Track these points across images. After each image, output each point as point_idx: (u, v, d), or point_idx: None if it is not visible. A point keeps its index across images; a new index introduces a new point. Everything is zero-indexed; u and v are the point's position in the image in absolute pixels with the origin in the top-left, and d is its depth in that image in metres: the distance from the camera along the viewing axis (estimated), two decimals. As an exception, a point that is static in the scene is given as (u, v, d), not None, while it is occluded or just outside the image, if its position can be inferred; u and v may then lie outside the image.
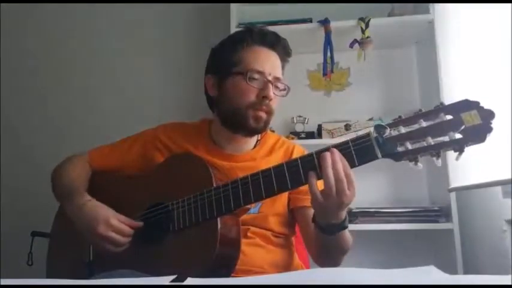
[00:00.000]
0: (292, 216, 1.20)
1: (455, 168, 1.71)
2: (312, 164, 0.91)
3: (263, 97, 1.12)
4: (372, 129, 0.88)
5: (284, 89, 1.19)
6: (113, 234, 1.03)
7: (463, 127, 0.80)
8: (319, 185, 0.91)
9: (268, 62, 1.16)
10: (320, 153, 0.90)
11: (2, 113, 2.42)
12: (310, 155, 0.92)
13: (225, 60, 1.18)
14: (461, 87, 1.72)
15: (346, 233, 1.01)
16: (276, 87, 1.16)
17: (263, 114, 1.13)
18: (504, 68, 1.33)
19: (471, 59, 1.64)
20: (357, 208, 1.89)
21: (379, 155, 0.86)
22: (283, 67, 1.21)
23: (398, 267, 0.62)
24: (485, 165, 1.46)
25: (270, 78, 1.14)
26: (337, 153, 0.88)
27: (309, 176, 0.91)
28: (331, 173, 0.87)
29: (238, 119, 1.14)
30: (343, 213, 0.95)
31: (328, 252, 1.07)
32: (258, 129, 1.16)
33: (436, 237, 1.96)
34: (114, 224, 1.03)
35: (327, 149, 0.90)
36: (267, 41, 1.18)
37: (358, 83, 2.21)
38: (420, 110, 0.86)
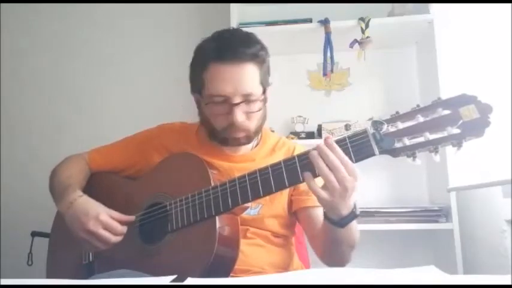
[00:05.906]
0: (296, 218, 1.19)
1: (455, 168, 1.71)
2: (308, 162, 0.90)
3: (231, 123, 1.06)
4: (369, 125, 0.87)
5: (261, 100, 1.09)
6: (103, 232, 1.01)
7: (461, 122, 0.79)
8: (318, 181, 0.90)
9: (228, 82, 1.03)
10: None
11: (2, 113, 2.42)
12: (307, 153, 0.91)
13: (194, 82, 1.13)
14: (461, 87, 1.72)
15: (355, 223, 0.98)
16: (249, 101, 1.06)
17: (239, 134, 1.09)
18: (504, 68, 1.33)
19: (471, 59, 1.64)
20: (357, 208, 1.88)
21: (377, 152, 0.86)
22: (261, 68, 1.07)
23: (398, 267, 0.62)
24: (485, 165, 1.46)
25: (235, 100, 1.03)
26: (324, 147, 0.87)
27: (305, 176, 0.90)
28: (324, 167, 0.87)
29: (219, 139, 1.13)
30: (352, 201, 0.92)
31: (338, 248, 1.03)
32: (242, 144, 1.13)
33: (436, 237, 1.96)
34: (105, 220, 1.02)
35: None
36: (224, 56, 1.04)
37: (358, 83, 2.21)
38: (418, 106, 0.85)
